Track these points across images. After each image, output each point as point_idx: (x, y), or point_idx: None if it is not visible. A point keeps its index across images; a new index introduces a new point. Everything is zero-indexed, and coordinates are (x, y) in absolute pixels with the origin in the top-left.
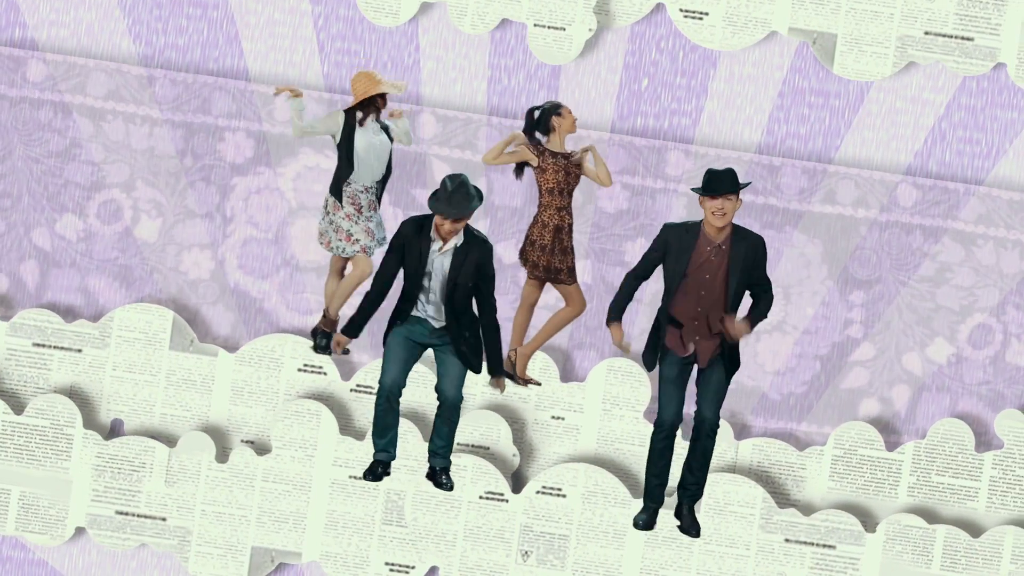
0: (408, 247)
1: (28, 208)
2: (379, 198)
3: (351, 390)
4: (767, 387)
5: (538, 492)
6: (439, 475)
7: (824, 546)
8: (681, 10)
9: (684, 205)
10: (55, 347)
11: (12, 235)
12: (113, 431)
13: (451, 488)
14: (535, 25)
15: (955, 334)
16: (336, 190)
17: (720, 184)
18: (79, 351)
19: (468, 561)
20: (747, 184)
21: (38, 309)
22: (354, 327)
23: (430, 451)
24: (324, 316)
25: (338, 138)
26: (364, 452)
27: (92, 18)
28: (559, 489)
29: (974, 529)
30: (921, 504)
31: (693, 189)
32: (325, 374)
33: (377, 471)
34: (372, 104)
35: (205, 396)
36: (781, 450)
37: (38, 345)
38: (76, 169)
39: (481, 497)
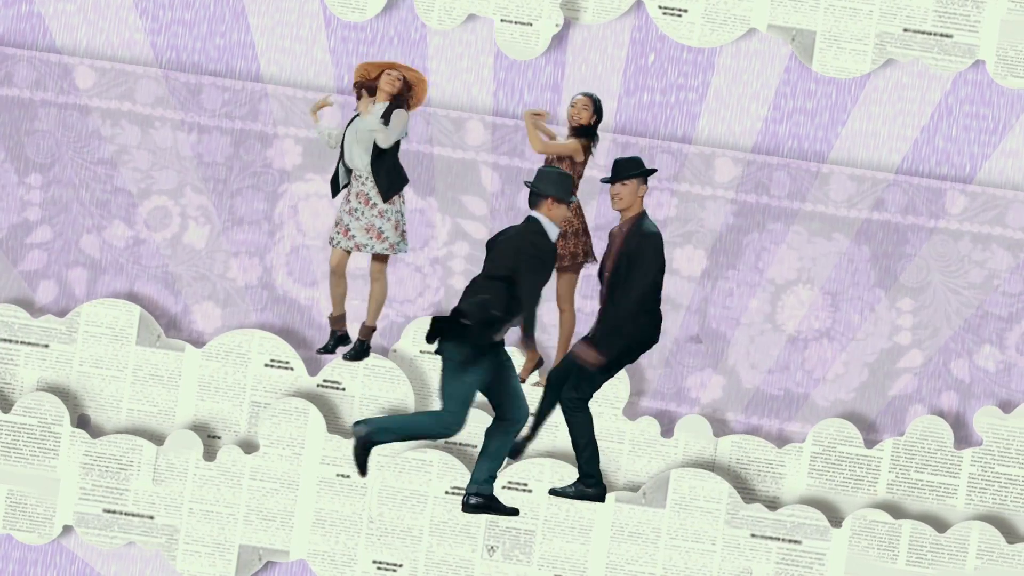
0: None
1: (76, 215)
2: (379, 194)
3: (318, 385)
4: (815, 394)
5: (504, 487)
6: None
7: (790, 541)
8: (660, 7)
9: (733, 212)
10: (22, 342)
11: (61, 242)
12: (81, 426)
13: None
14: (502, 20)
15: (1003, 341)
16: (338, 182)
17: (616, 171)
18: (46, 346)
19: (434, 556)
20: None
21: (4, 304)
22: None
23: (491, 477)
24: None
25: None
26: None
27: None
28: (525, 484)
29: (949, 525)
30: (899, 501)
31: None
32: (292, 369)
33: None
34: (366, 87)
35: (172, 391)
36: (759, 447)
37: (4, 340)
38: (124, 176)
39: (447, 492)
